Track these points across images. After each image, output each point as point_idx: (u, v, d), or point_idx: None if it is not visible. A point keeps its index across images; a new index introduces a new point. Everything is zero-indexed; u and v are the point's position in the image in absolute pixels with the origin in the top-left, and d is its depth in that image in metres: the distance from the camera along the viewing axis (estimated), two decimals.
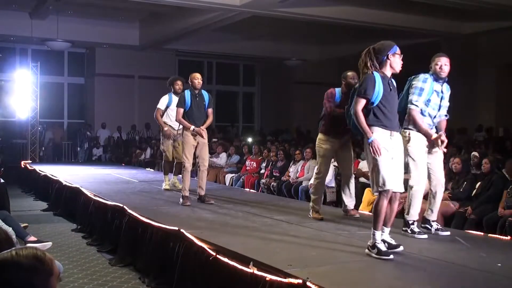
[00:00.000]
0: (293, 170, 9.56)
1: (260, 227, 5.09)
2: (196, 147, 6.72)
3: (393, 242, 4.09)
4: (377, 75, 4.03)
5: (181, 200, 6.63)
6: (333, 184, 8.45)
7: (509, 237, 5.08)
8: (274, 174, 9.95)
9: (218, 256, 3.93)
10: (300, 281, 3.15)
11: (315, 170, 5.98)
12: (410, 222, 4.75)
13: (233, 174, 11.09)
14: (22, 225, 6.45)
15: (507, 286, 3.40)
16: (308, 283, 3.10)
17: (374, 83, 3.99)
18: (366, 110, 4.06)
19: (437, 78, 4.72)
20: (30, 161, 13.97)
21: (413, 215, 4.77)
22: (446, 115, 4.90)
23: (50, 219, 8.37)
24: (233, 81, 20.87)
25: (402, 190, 4.17)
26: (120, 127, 17.35)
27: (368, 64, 4.07)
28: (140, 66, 17.62)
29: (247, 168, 10.87)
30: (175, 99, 7.55)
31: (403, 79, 4.68)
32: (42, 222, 7.93)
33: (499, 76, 14.86)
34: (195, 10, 13.09)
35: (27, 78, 14.61)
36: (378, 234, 3.92)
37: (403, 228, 4.76)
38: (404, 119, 4.72)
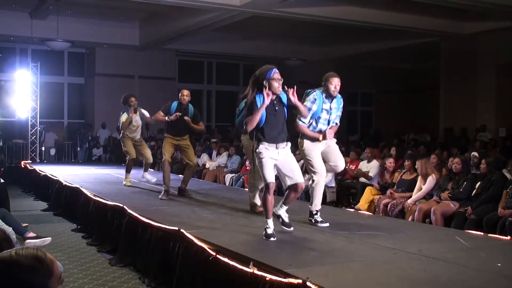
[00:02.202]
0: None
1: (260, 227, 5.08)
2: (179, 150, 7.44)
3: (286, 220, 4.74)
4: (258, 98, 4.51)
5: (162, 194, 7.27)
6: (333, 184, 8.45)
7: (509, 237, 5.08)
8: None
9: (218, 256, 3.93)
10: (300, 281, 3.15)
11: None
12: (314, 212, 5.22)
13: (233, 174, 11.09)
14: (23, 225, 6.46)
15: (507, 286, 3.40)
16: (308, 283, 3.10)
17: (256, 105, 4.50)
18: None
19: (327, 96, 5.18)
20: (30, 161, 13.96)
21: (317, 205, 5.24)
22: (336, 123, 5.40)
23: (50, 219, 8.37)
24: (233, 81, 20.84)
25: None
26: None
27: (251, 90, 4.61)
28: (140, 66, 17.60)
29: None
30: (133, 116, 8.58)
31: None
32: (42, 222, 7.93)
33: (499, 76, 14.86)
34: (195, 10, 13.08)
35: (27, 78, 14.60)
36: (269, 221, 4.53)
37: (309, 218, 5.25)
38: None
